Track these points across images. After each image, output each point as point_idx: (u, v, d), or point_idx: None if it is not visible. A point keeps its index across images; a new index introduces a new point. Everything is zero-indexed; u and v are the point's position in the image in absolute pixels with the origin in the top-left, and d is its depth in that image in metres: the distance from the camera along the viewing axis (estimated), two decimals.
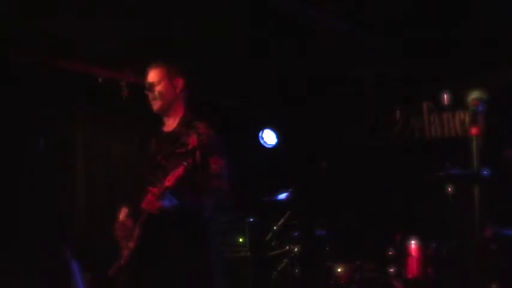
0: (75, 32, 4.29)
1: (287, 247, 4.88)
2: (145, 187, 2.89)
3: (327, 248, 4.89)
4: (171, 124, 3.01)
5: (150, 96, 2.98)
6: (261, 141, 6.18)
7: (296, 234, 4.93)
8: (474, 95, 2.49)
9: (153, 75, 3.00)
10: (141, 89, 3.07)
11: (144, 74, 3.05)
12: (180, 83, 3.00)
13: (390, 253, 4.46)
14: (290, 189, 4.98)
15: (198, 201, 2.75)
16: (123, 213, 2.90)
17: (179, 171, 2.60)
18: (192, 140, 2.81)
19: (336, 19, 4.76)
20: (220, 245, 3.09)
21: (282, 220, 5.05)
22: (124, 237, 2.81)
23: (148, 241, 2.73)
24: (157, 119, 3.07)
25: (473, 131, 2.43)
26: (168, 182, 2.60)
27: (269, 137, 6.23)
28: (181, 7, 4.30)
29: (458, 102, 4.86)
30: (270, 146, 6.22)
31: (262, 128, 6.21)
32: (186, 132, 2.90)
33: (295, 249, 4.77)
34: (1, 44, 4.13)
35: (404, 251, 4.35)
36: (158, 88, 2.95)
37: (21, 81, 4.30)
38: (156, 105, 2.98)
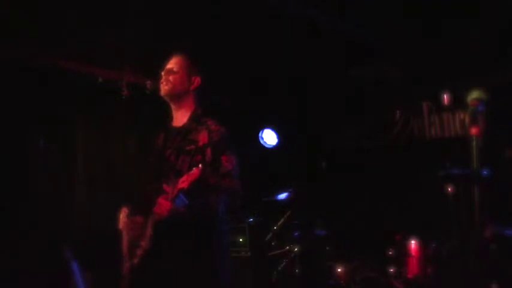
0: (75, 32, 4.29)
1: (287, 247, 4.88)
2: (151, 183, 2.88)
3: (327, 248, 4.89)
4: (180, 119, 2.98)
5: (163, 79, 2.94)
6: (261, 141, 6.18)
7: (296, 234, 4.93)
8: (474, 95, 2.48)
9: (173, 62, 2.98)
10: (141, 89, 3.07)
11: (143, 74, 3.05)
12: (197, 80, 2.97)
13: (390, 253, 4.46)
14: (290, 189, 4.99)
15: (209, 201, 2.72)
16: (123, 213, 2.88)
17: (195, 173, 2.54)
18: (203, 137, 2.80)
19: (336, 19, 4.77)
20: (228, 246, 3.07)
21: (282, 220, 5.06)
22: (136, 236, 2.78)
23: (159, 241, 2.70)
24: (166, 115, 3.04)
25: (473, 131, 2.43)
26: (183, 183, 2.56)
27: (269, 137, 6.23)
28: (181, 7, 4.30)
29: (458, 102, 4.86)
30: (270, 146, 6.22)
31: (262, 128, 6.21)
32: (195, 129, 2.87)
33: (295, 249, 4.77)
34: (1, 44, 4.13)
35: (404, 251, 4.35)
36: (174, 76, 2.93)
37: (21, 81, 4.30)
38: (164, 89, 2.93)
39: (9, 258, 3.95)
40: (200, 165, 2.56)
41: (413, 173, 5.29)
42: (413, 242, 4.32)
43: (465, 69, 4.91)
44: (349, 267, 4.57)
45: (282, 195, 5.00)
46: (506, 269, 3.61)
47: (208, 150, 2.78)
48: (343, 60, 5.42)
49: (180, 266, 2.71)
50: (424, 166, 5.10)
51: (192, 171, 2.56)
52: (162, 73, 2.98)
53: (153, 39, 4.52)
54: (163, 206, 2.62)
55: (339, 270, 4.56)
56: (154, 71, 3.08)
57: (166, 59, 3.03)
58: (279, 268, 4.85)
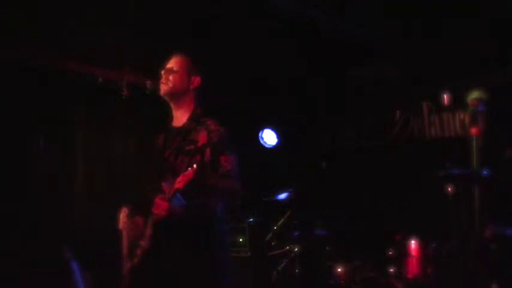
0: (75, 32, 4.29)
1: (287, 247, 4.88)
2: (151, 183, 2.89)
3: (327, 248, 4.89)
4: (180, 119, 2.98)
5: (163, 78, 2.95)
6: (261, 141, 6.18)
7: (296, 234, 4.93)
8: (474, 95, 2.48)
9: (173, 62, 2.99)
10: (141, 89, 3.07)
11: (143, 74, 3.05)
12: (196, 80, 2.98)
13: (390, 253, 4.46)
14: (290, 189, 4.98)
15: (207, 201, 2.72)
16: (123, 213, 2.88)
17: (189, 174, 2.54)
18: (202, 137, 2.78)
19: (336, 19, 4.77)
20: (228, 246, 3.07)
21: (282, 220, 5.06)
22: (136, 236, 2.78)
23: (158, 241, 2.70)
24: (166, 115, 3.05)
25: (473, 131, 2.42)
26: (179, 183, 2.56)
27: (269, 137, 6.23)
28: (181, 7, 4.30)
29: (458, 102, 4.86)
30: (270, 146, 6.22)
31: (262, 128, 6.21)
32: (195, 129, 2.87)
33: (295, 249, 4.77)
34: (1, 44, 4.13)
35: (404, 251, 4.35)
36: (173, 75, 2.94)
37: (21, 81, 4.30)
38: (163, 88, 2.94)
39: (9, 258, 3.95)
40: (195, 166, 2.55)
41: (413, 173, 5.29)
42: (413, 242, 4.31)
43: (465, 69, 4.91)
44: (349, 267, 4.57)
45: (282, 195, 5.00)
46: (506, 269, 3.61)
47: (208, 151, 2.77)
48: (343, 60, 5.42)
49: (179, 266, 2.70)
50: (424, 166, 5.10)
51: (187, 172, 2.55)
52: (162, 72, 2.98)
53: (153, 39, 4.52)
54: (160, 205, 2.62)
55: (339, 270, 4.56)
56: (154, 71, 3.08)
57: (166, 59, 3.03)
58: (279, 268, 4.85)
